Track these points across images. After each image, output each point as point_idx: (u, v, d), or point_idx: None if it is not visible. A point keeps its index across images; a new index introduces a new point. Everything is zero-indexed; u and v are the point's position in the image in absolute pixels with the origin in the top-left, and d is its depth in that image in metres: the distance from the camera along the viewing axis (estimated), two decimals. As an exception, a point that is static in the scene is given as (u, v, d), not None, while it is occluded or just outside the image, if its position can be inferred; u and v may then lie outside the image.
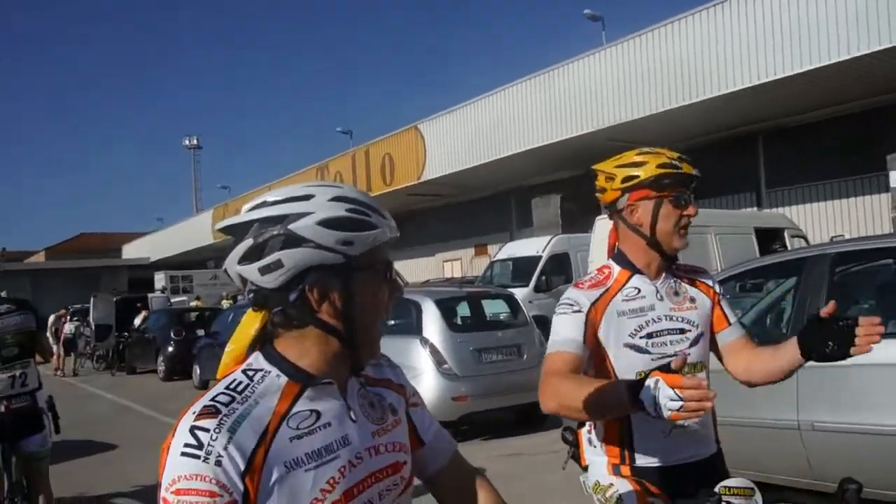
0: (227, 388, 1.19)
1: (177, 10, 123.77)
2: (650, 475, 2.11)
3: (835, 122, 16.76)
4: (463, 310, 9.22)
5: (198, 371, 15.02)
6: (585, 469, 2.31)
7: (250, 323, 1.26)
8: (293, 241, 1.17)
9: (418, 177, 23.39)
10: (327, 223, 1.18)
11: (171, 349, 17.09)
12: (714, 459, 2.22)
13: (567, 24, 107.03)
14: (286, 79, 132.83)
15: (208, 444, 1.11)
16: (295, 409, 1.19)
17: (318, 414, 1.20)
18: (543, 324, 11.51)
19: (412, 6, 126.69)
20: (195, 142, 60.81)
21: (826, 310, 1.92)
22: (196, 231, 40.77)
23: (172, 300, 27.14)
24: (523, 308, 9.36)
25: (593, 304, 2.13)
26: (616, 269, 2.22)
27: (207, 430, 1.12)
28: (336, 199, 1.21)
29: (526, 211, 22.02)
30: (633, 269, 2.20)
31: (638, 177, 2.13)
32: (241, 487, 1.11)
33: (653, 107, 16.53)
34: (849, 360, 1.95)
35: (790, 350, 2.03)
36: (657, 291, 2.19)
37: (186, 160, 62.28)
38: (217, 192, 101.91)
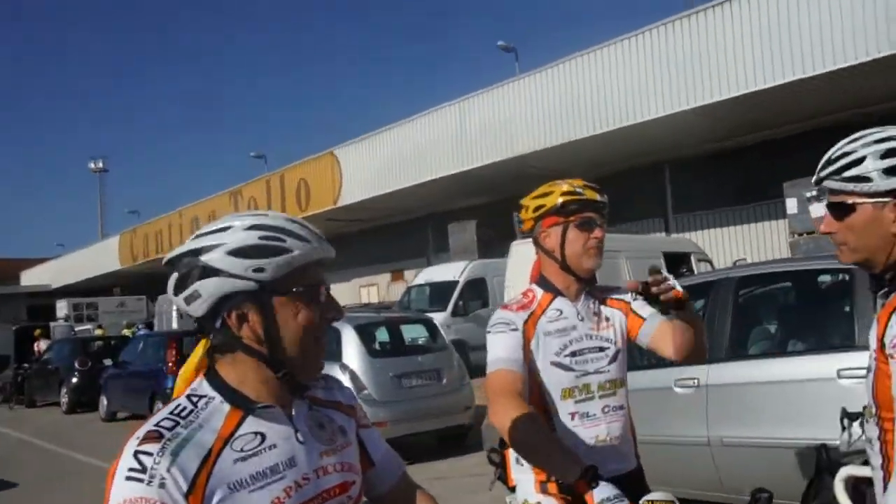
0: (171, 413, 1.23)
1: (81, 25, 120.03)
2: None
3: (735, 153, 17.63)
4: (382, 335, 9.23)
5: (105, 402, 14.45)
6: (513, 489, 2.38)
7: (199, 349, 1.31)
8: (208, 271, 1.23)
9: (335, 202, 23.33)
10: (237, 252, 1.23)
11: (75, 380, 16.40)
12: (635, 474, 2.33)
13: (481, 56, 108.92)
14: (198, 101, 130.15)
15: (152, 468, 1.14)
16: (239, 432, 1.23)
17: (263, 436, 1.24)
18: (461, 348, 11.63)
19: (330, 31, 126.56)
20: (101, 165, 58.80)
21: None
22: (102, 257, 39.45)
23: (76, 328, 26.08)
24: (442, 332, 9.44)
25: (524, 323, 2.25)
26: (539, 292, 2.35)
27: (151, 454, 1.15)
28: (251, 227, 1.26)
29: (442, 237, 22.20)
30: (555, 292, 2.34)
31: (545, 205, 2.30)
32: None
33: (564, 136, 17.03)
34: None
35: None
36: (578, 312, 2.33)
37: (91, 183, 60.08)
38: (124, 216, 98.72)
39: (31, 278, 47.42)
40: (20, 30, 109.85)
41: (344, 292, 28.30)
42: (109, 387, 14.34)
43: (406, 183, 21.14)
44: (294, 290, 1.26)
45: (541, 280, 2.38)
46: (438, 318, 12.36)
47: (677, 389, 4.84)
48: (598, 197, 2.31)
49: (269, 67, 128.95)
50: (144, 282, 39.22)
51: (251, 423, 1.24)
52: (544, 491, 2.21)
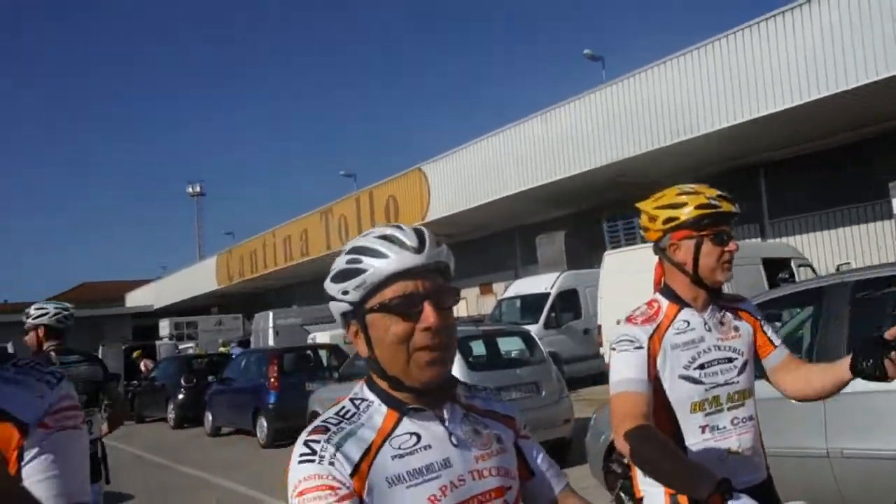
0: (336, 413, 1.35)
1: (176, 56, 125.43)
2: None
3: (833, 152, 16.97)
4: (479, 348, 9.27)
5: (210, 418, 14.97)
6: (639, 501, 2.35)
7: None
8: (329, 296, 1.38)
9: (423, 217, 23.57)
10: (334, 277, 1.36)
11: (181, 396, 17.05)
12: (766, 484, 2.28)
13: (567, 65, 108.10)
14: (287, 123, 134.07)
15: (320, 451, 1.26)
16: (396, 432, 1.31)
17: (419, 437, 1.32)
18: (555, 360, 11.56)
19: (414, 49, 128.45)
20: (198, 189, 61.18)
21: (891, 331, 1.97)
22: (199, 278, 40.91)
23: (180, 347, 27.13)
24: (539, 345, 9.41)
25: (650, 338, 2.19)
26: (664, 302, 2.29)
27: (319, 442, 1.27)
28: (349, 251, 1.37)
29: (530, 249, 22.14)
30: (681, 303, 2.27)
31: (678, 218, 2.21)
32: (353, 487, 1.23)
33: (654, 143, 16.75)
34: (875, 385, 2.02)
35: (840, 367, 2.10)
36: (705, 323, 2.26)
37: (189, 207, 62.57)
38: (221, 238, 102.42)
39: (136, 299, 49.62)
40: (121, 62, 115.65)
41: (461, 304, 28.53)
42: (214, 403, 14.83)
43: (493, 196, 21.19)
44: (379, 305, 1.31)
45: (665, 290, 2.32)
46: (530, 330, 12.34)
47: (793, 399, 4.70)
48: (733, 208, 2.24)
49: (357, 87, 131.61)
50: (240, 301, 40.55)
51: (407, 425, 1.32)
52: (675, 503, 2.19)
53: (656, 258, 2.38)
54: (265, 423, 12.54)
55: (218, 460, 11.83)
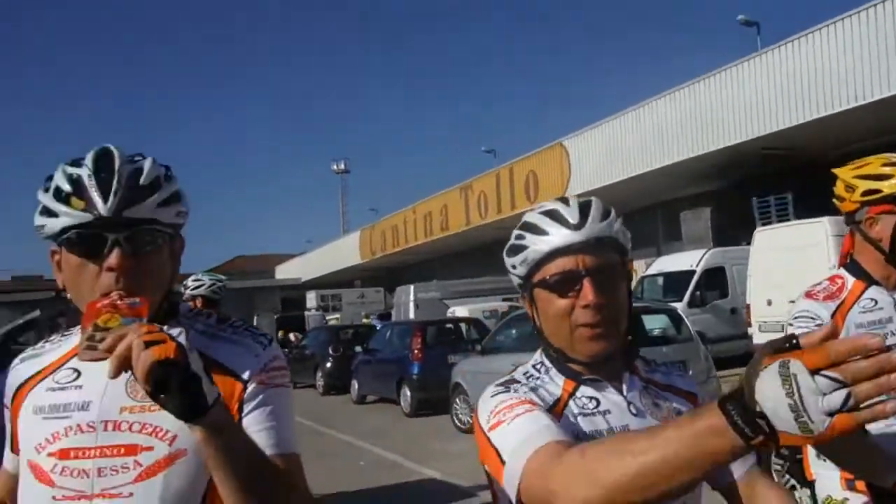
0: (522, 373, 1.41)
1: (324, 36, 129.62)
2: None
3: None
4: (622, 325, 9.14)
5: (356, 386, 15.58)
6: (809, 483, 2.27)
7: None
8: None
9: (563, 193, 23.33)
10: (506, 252, 1.43)
11: (329, 365, 17.83)
12: None
13: (719, 33, 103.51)
14: (429, 101, 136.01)
15: (515, 388, 1.33)
16: (578, 394, 1.36)
17: (598, 401, 1.35)
18: (700, 340, 11.23)
19: (558, 18, 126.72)
20: (342, 166, 63.20)
21: None
22: (344, 252, 42.33)
23: (327, 318, 28.30)
24: (687, 323, 9.18)
25: (832, 315, 2.07)
26: (850, 279, 2.16)
27: (511, 385, 1.35)
28: (518, 226, 1.42)
29: (673, 225, 21.52)
30: (869, 280, 2.14)
31: (881, 191, 2.04)
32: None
33: (809, 113, 15.77)
34: None
35: None
36: (894, 303, 2.12)
37: (334, 184, 64.77)
38: (364, 213, 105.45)
39: (284, 272, 52.05)
40: (271, 47, 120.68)
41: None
42: (360, 372, 15.42)
43: (635, 171, 20.66)
44: (541, 281, 1.35)
45: (852, 265, 2.17)
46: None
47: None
48: None
49: (500, 63, 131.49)
50: (382, 274, 41.71)
51: (586, 390, 1.36)
52: (851, 488, 2.08)
53: (830, 233, 2.26)
54: (409, 393, 12.93)
55: (364, 427, 12.32)
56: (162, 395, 1.04)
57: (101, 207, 1.21)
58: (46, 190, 1.27)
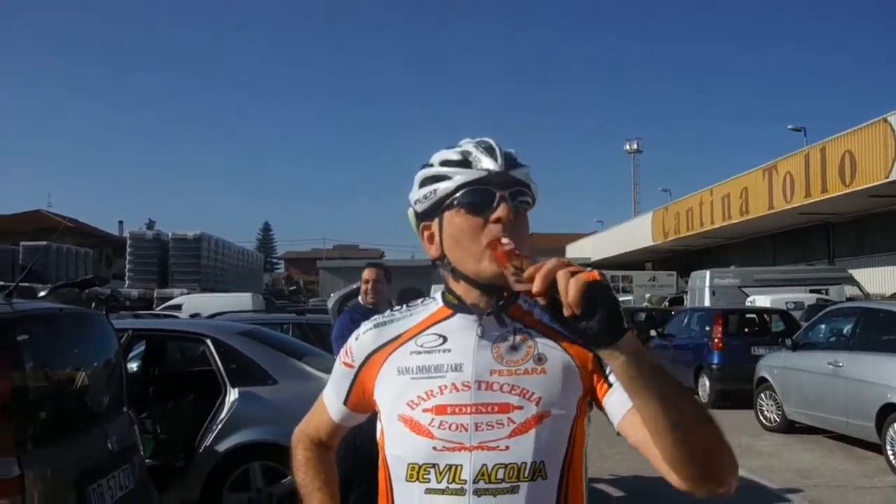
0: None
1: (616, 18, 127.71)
2: None
3: None
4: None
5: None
6: None
7: None
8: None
9: (886, 175, 21.07)
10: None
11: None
12: None
13: None
14: (734, 78, 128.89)
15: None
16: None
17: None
18: None
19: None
20: (635, 146, 62.39)
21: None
22: (635, 233, 41.94)
23: (620, 299, 28.44)
24: None
25: None
26: None
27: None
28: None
29: None
30: None
31: None
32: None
33: None
34: None
35: None
36: None
37: (626, 164, 64.11)
38: (657, 194, 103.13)
39: (574, 251, 52.78)
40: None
41: (892, 278, 25.53)
42: (656, 357, 15.32)
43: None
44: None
45: None
46: None
47: None
48: None
49: (813, 34, 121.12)
50: (674, 258, 40.71)
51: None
52: None
53: None
54: (707, 383, 12.68)
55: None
56: (587, 318, 1.10)
57: (493, 165, 1.36)
58: (429, 166, 1.43)
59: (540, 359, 1.36)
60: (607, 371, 1.32)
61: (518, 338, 1.38)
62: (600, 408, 1.36)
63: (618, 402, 1.30)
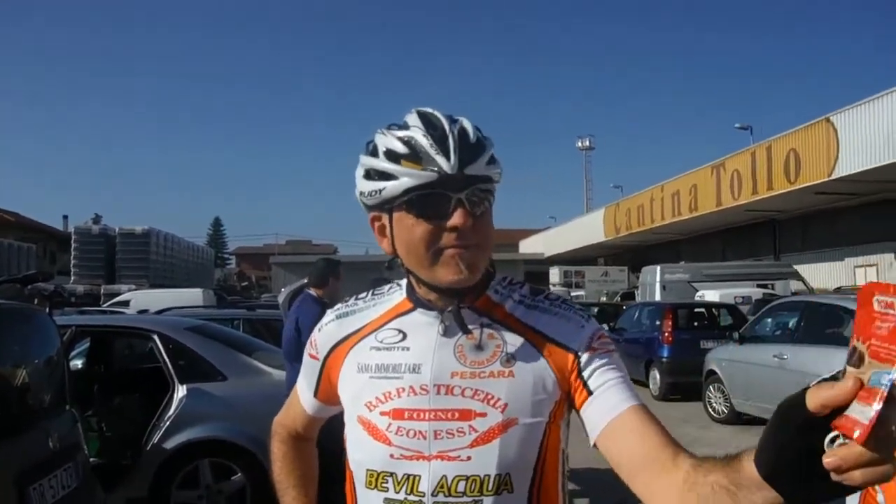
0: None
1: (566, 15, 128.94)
2: None
3: None
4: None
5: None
6: None
7: None
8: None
9: (828, 174, 21.66)
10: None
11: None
12: None
13: None
14: (676, 75, 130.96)
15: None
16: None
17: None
18: None
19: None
20: (587, 143, 62.96)
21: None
22: (587, 229, 42.31)
23: (571, 294, 28.68)
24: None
25: None
26: None
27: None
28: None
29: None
30: None
31: None
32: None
33: None
34: None
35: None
36: None
37: (578, 160, 64.69)
38: (609, 191, 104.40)
39: (527, 247, 53.13)
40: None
41: (835, 272, 26.26)
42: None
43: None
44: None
45: None
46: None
47: None
48: None
49: (758, 32, 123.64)
50: (627, 253, 41.27)
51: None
52: None
53: None
54: (657, 376, 12.88)
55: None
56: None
57: (445, 166, 1.17)
58: (374, 154, 1.24)
59: (509, 360, 1.22)
60: (587, 376, 1.21)
61: (485, 335, 1.25)
62: (578, 416, 1.23)
63: (598, 412, 1.19)
